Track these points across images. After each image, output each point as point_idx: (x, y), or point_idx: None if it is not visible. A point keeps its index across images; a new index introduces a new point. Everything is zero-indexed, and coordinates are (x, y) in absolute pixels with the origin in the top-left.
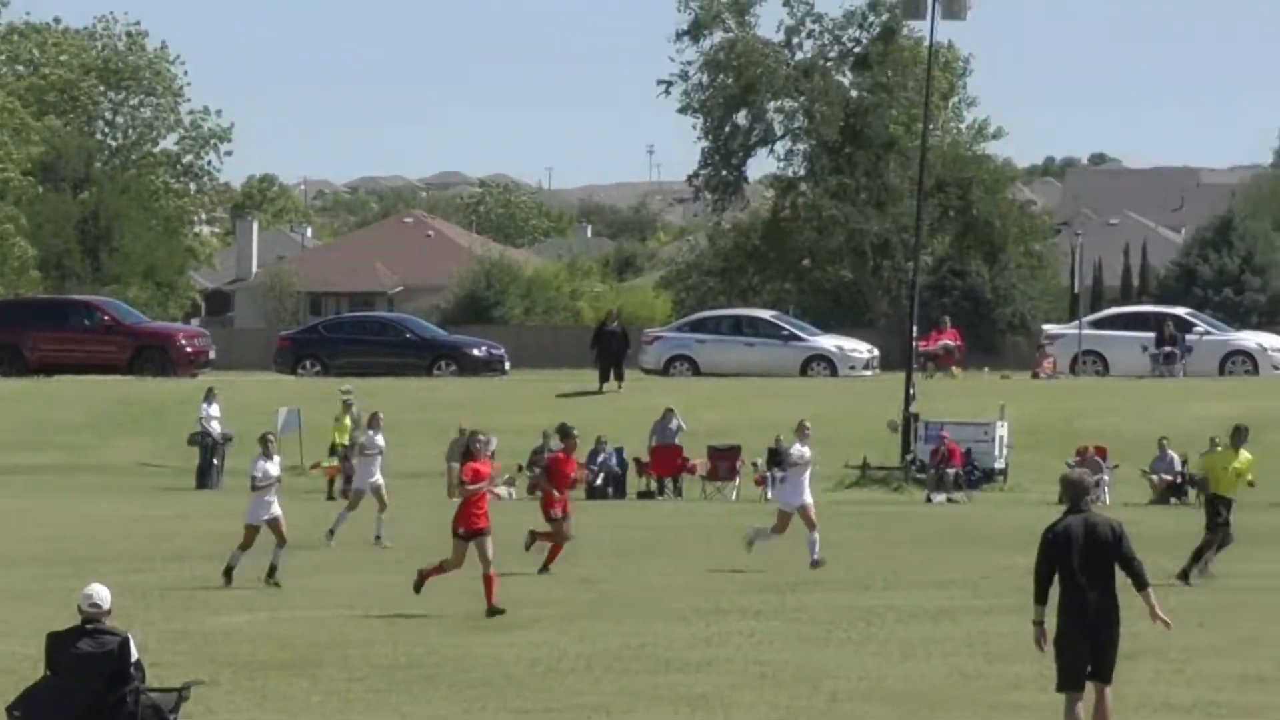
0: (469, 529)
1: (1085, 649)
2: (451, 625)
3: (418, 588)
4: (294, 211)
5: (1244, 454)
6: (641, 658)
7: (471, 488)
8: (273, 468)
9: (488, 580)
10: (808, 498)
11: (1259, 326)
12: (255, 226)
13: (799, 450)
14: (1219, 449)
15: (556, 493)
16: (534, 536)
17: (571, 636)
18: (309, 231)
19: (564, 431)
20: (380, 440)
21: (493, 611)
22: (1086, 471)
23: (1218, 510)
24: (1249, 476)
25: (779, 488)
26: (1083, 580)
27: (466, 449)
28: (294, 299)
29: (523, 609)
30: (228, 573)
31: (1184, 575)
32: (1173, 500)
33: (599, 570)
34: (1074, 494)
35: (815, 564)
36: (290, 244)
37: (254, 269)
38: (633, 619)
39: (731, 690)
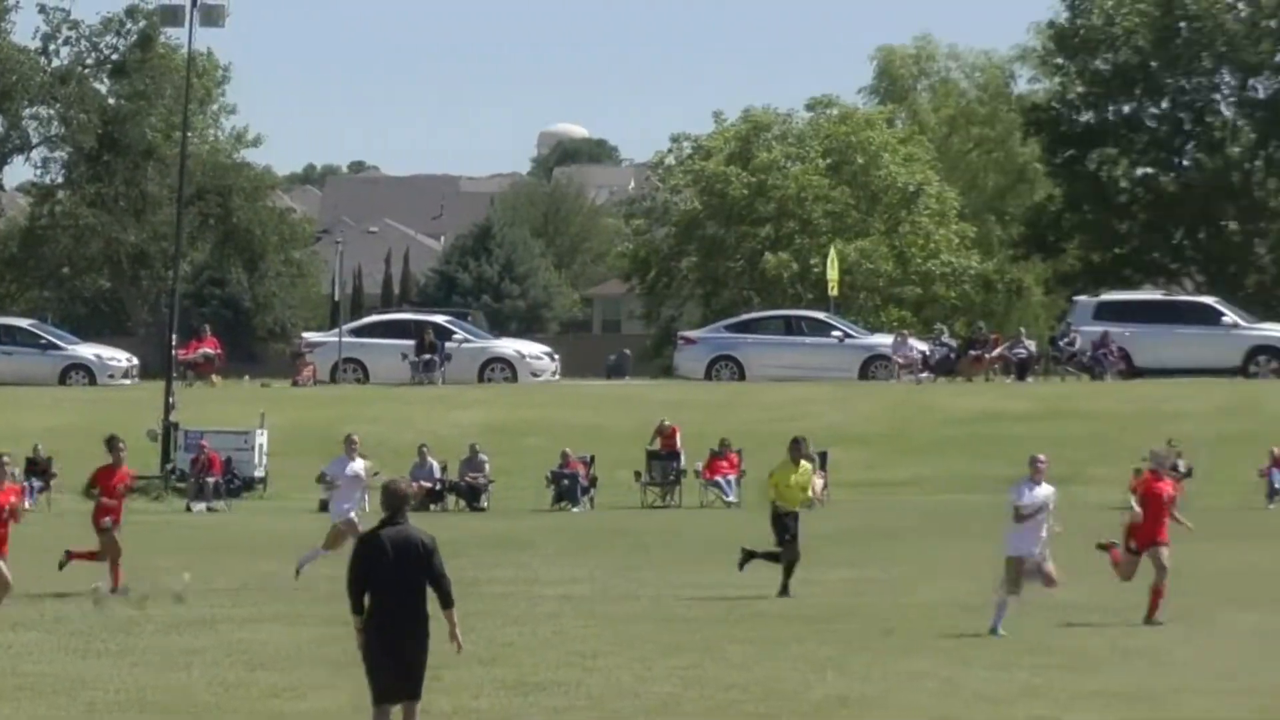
0: None
1: (394, 663)
2: None
3: None
4: None
5: (804, 466)
6: None
7: None
8: None
9: None
10: (355, 513)
11: (519, 334)
12: None
13: (354, 465)
14: (779, 462)
15: (109, 500)
16: (70, 556)
17: None
18: None
19: (110, 443)
20: None
21: None
22: (408, 480)
23: (785, 525)
24: (808, 492)
25: (332, 501)
26: (392, 593)
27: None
28: None
29: None
30: None
31: (784, 589)
32: (433, 507)
33: None
34: (393, 503)
35: None
36: None
37: None
38: None
39: None
